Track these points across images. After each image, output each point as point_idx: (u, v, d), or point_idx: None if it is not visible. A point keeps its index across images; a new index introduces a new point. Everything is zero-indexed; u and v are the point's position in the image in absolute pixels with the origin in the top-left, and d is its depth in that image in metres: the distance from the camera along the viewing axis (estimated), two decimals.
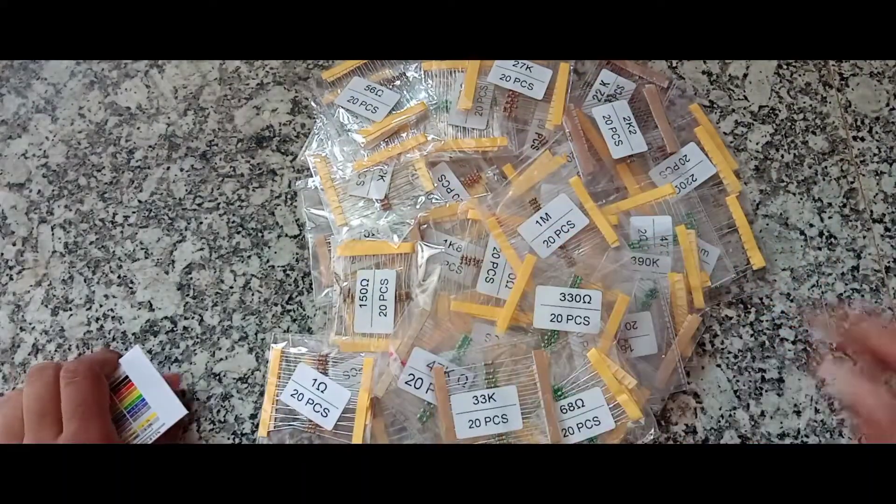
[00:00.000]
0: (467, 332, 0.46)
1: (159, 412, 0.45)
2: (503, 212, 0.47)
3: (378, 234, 0.48)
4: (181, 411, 0.44)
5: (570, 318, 0.45)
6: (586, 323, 0.44)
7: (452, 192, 0.49)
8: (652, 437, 0.43)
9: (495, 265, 0.47)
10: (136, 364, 0.46)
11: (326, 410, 0.45)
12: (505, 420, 0.43)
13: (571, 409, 0.44)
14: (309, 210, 0.50)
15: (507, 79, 0.50)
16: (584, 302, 0.45)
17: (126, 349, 0.49)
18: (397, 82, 0.52)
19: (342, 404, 0.45)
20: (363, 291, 0.47)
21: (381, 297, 0.47)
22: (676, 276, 0.46)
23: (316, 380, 0.46)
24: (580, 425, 0.43)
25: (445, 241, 0.48)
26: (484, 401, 0.44)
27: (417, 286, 0.47)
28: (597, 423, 0.43)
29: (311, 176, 0.51)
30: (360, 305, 0.47)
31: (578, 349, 0.45)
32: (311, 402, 0.45)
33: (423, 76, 0.52)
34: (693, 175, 0.50)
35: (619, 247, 0.46)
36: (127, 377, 0.45)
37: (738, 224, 0.49)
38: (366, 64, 0.53)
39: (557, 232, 0.47)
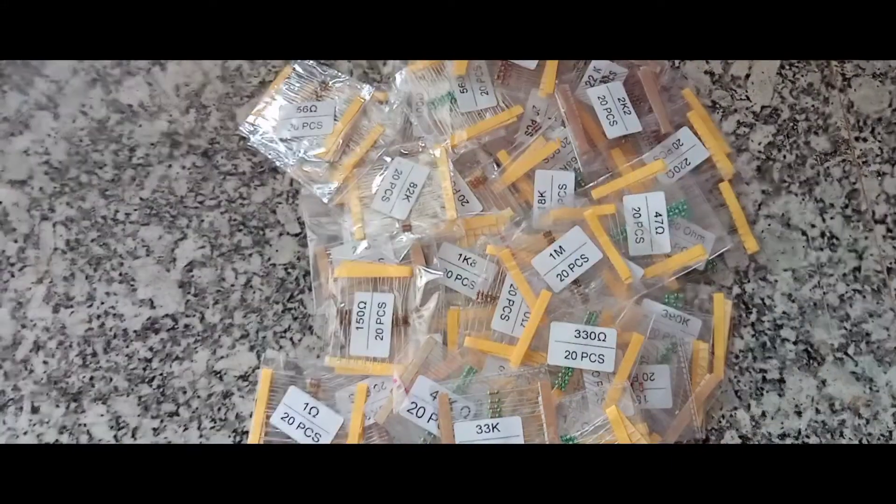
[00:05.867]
0: (478, 367, 0.45)
1: None
2: (517, 244, 0.47)
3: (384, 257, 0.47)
4: None
5: (584, 355, 0.44)
6: (601, 361, 0.44)
7: (459, 193, 0.49)
8: None
9: (511, 302, 0.46)
10: None
11: (318, 435, 0.45)
12: None
13: None
14: (311, 219, 0.50)
15: None
16: (600, 340, 0.44)
17: (126, 346, 0.49)
18: (322, 92, 0.52)
19: (335, 430, 0.45)
20: (360, 314, 0.47)
21: (378, 321, 0.47)
22: (702, 344, 0.46)
23: (308, 404, 0.45)
24: None
25: (460, 255, 0.48)
26: (487, 430, 0.43)
27: (415, 311, 0.47)
28: None
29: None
30: (357, 328, 0.47)
31: (593, 390, 0.44)
32: (302, 426, 0.45)
33: (406, 80, 0.51)
34: (686, 159, 0.50)
35: (647, 298, 0.46)
36: None
37: (731, 209, 0.49)
38: (279, 89, 0.53)
39: (571, 266, 0.46)
